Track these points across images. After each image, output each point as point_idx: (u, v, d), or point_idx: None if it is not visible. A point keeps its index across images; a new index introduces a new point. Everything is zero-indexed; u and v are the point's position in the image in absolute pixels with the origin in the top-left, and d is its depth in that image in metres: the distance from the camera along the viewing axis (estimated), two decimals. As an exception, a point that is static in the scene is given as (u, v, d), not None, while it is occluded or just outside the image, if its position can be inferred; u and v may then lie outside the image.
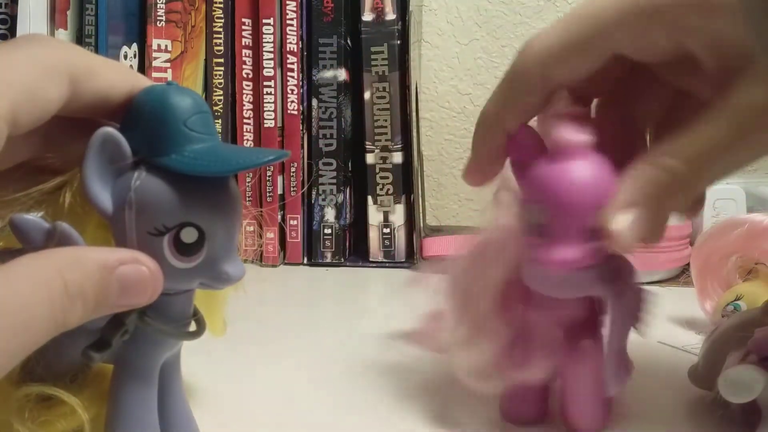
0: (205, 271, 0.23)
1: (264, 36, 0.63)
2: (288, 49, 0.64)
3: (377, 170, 0.64)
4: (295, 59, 0.64)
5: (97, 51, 0.60)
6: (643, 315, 0.29)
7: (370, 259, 0.65)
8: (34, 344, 0.19)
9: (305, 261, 0.65)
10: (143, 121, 0.22)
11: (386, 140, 0.64)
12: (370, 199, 0.65)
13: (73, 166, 0.23)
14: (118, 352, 0.23)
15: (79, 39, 0.61)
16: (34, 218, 0.21)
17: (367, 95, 0.64)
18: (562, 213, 0.26)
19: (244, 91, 0.65)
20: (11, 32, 0.59)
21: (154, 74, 0.62)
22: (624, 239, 0.25)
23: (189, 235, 0.22)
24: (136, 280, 0.21)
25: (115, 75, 0.23)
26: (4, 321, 0.18)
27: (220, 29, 0.65)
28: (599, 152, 0.27)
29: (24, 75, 0.21)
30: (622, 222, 0.25)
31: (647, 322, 0.29)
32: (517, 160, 0.28)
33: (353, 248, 0.68)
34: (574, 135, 0.26)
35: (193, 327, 0.25)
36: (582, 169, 0.26)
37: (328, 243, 0.64)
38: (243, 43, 0.65)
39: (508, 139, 0.28)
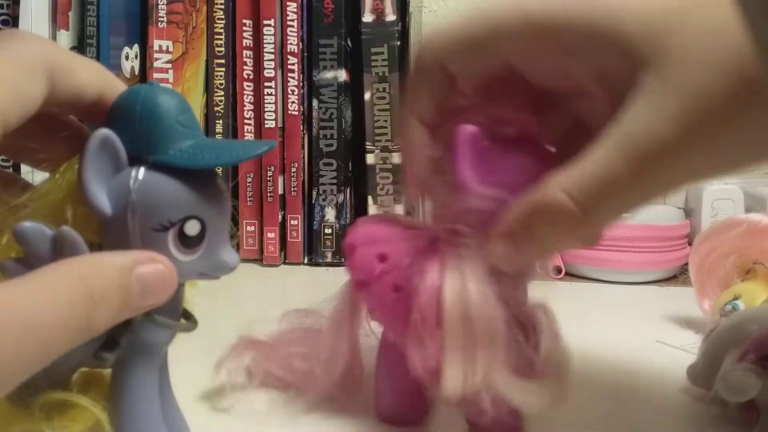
0: (205, 261, 0.23)
1: (265, 37, 0.64)
2: (288, 50, 0.64)
3: (377, 170, 0.65)
4: (295, 60, 0.64)
5: (98, 52, 0.60)
6: None
7: (371, 259, 0.65)
8: (58, 350, 0.19)
9: (306, 261, 0.65)
10: (135, 122, 0.22)
11: (386, 141, 0.64)
12: (370, 199, 0.65)
13: (43, 162, 0.24)
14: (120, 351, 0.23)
15: (81, 40, 0.61)
16: (38, 226, 0.21)
17: (367, 96, 0.64)
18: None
19: (245, 92, 0.65)
20: (13, 33, 0.59)
21: (156, 75, 0.63)
22: (500, 263, 0.25)
23: (192, 228, 0.22)
24: (155, 278, 0.21)
25: (90, 73, 0.23)
26: (26, 329, 0.18)
27: (221, 30, 0.65)
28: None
29: (8, 73, 0.20)
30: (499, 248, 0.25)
31: None
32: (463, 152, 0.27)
33: (353, 248, 0.68)
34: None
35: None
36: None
37: (328, 243, 0.65)
38: (244, 44, 0.65)
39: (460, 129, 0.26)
